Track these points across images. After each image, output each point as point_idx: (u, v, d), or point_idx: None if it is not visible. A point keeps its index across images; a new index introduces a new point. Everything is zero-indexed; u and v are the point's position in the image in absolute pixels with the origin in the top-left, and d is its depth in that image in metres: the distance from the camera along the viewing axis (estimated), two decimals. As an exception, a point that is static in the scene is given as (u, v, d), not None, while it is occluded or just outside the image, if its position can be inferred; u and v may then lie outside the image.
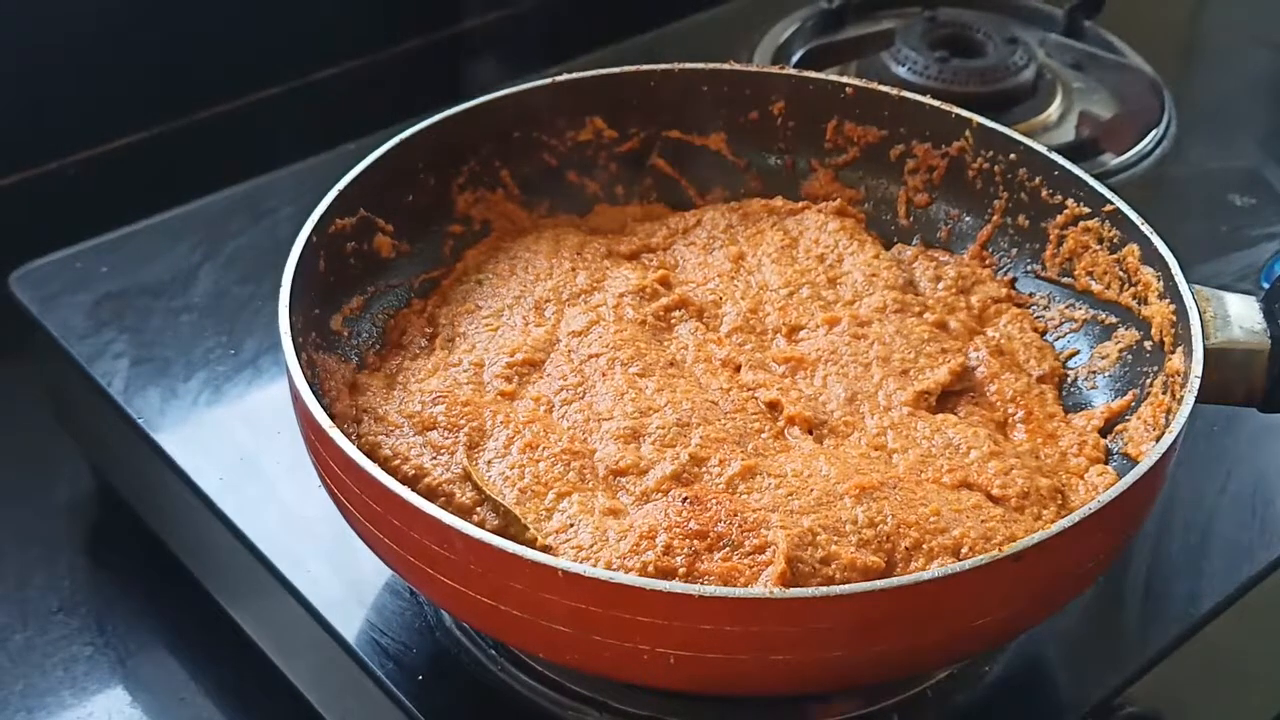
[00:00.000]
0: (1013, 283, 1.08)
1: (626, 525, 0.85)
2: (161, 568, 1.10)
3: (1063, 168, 1.04)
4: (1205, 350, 0.89)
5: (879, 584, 0.75)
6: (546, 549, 0.84)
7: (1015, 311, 1.05)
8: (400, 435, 0.91)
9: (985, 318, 1.05)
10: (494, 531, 0.81)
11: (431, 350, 1.00)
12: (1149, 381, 0.95)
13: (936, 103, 1.10)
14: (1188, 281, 0.93)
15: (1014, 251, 1.08)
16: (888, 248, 1.10)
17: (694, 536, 0.82)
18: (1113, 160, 1.34)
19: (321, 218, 0.96)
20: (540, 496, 0.87)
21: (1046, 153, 1.05)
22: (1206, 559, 1.00)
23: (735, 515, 0.83)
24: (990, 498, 0.89)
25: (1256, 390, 0.92)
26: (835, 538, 0.83)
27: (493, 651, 0.91)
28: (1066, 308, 1.04)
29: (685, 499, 0.84)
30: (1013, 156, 1.07)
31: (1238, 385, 0.91)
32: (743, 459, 0.90)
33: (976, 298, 1.06)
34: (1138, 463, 0.82)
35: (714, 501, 0.84)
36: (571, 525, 0.86)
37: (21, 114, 1.32)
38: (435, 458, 0.90)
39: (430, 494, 0.87)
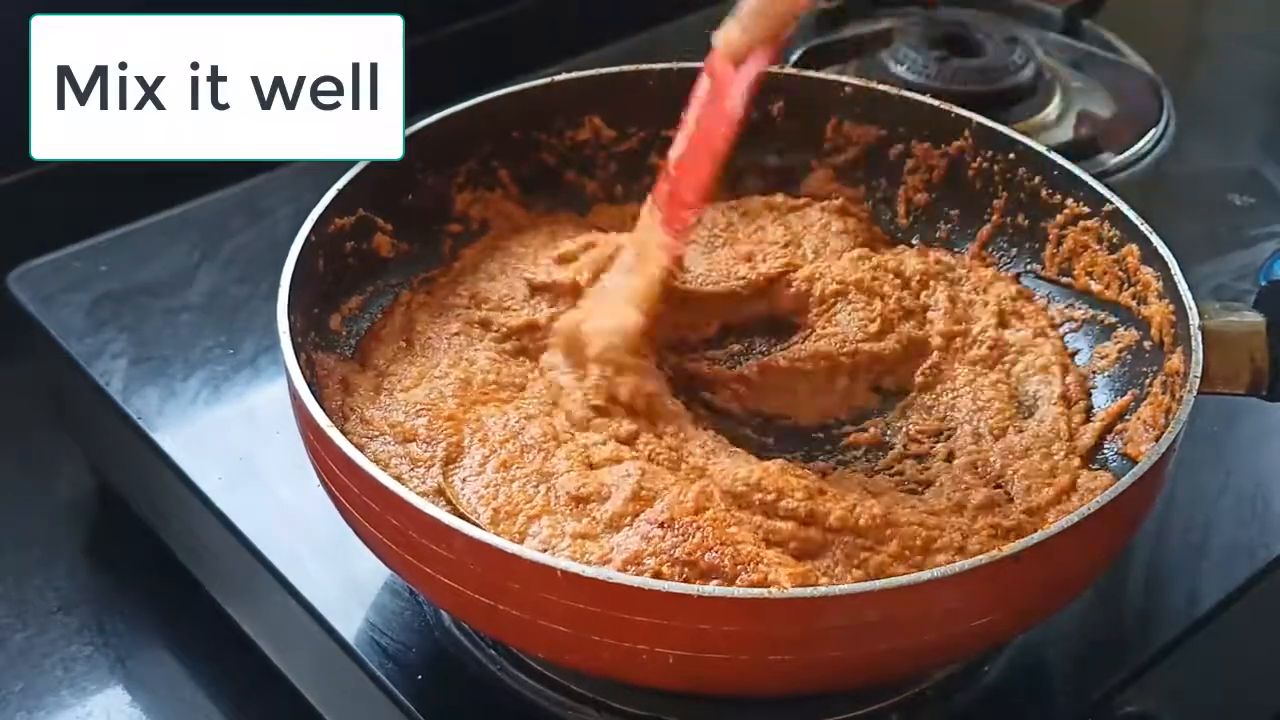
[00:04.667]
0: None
1: (607, 548, 0.82)
2: (161, 568, 1.10)
3: (1062, 167, 1.04)
4: (1203, 330, 0.88)
5: (878, 584, 0.75)
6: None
7: (1015, 311, 1.05)
8: (383, 443, 0.91)
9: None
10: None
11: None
12: (1148, 381, 0.95)
13: (936, 102, 1.10)
14: (1187, 281, 0.93)
15: (1014, 251, 1.08)
16: (888, 247, 1.10)
17: (682, 564, 0.80)
18: (1112, 160, 1.34)
19: (320, 217, 0.96)
20: (512, 518, 0.85)
21: (1046, 152, 1.05)
22: (1206, 559, 1.00)
23: (726, 548, 0.81)
24: (990, 497, 0.89)
25: (1261, 375, 0.90)
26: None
27: (492, 651, 0.91)
28: (1066, 307, 1.04)
29: (660, 524, 0.82)
30: (1012, 156, 1.07)
31: (1241, 370, 0.90)
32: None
33: (976, 297, 1.06)
34: (1137, 463, 0.82)
35: (693, 527, 0.81)
36: (546, 550, 0.83)
37: (20, 113, 1.32)
38: (413, 470, 0.89)
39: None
